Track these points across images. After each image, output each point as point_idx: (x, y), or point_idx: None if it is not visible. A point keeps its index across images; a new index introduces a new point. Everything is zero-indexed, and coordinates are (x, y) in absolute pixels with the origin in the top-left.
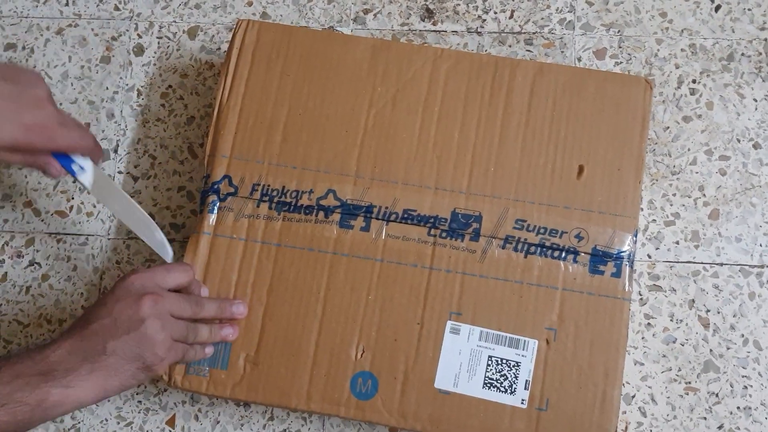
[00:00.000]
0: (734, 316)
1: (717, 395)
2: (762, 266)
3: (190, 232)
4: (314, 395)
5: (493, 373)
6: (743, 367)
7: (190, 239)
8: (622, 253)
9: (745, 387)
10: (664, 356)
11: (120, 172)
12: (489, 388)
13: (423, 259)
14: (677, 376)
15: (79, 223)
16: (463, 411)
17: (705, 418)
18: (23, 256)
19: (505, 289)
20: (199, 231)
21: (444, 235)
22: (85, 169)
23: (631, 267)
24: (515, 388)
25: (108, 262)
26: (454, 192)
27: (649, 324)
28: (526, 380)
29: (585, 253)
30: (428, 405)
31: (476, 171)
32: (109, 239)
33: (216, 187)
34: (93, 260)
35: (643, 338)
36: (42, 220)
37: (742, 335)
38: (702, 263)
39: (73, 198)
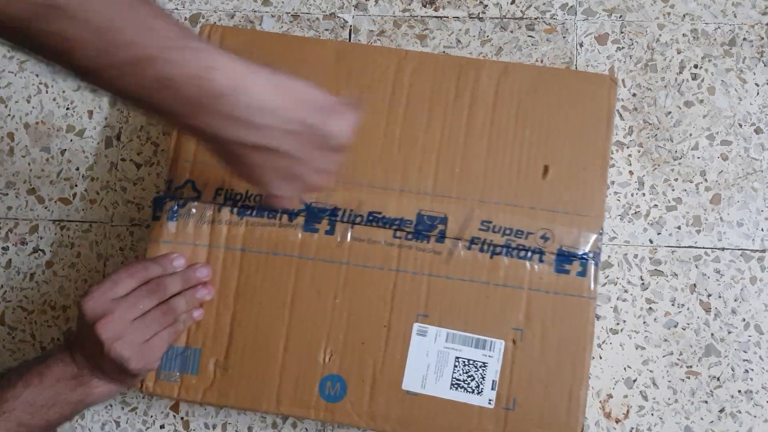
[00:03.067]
0: (735, 301)
1: (718, 379)
2: (763, 251)
3: (147, 242)
4: (284, 399)
5: (460, 374)
6: (744, 351)
7: (148, 249)
8: (587, 253)
9: (747, 371)
10: (665, 340)
11: (123, 159)
12: (456, 388)
13: (389, 261)
14: (678, 360)
15: (83, 210)
16: (432, 412)
17: (706, 402)
18: (27, 243)
19: (471, 290)
20: (157, 240)
21: (410, 237)
22: None
23: (597, 266)
24: (482, 389)
25: (111, 248)
26: (419, 194)
27: (650, 309)
28: (493, 380)
29: (551, 253)
30: (397, 407)
31: (442, 172)
32: (112, 226)
33: (176, 192)
34: (97, 247)
35: (644, 323)
36: (45, 207)
37: (744, 319)
38: (704, 248)
39: (76, 185)
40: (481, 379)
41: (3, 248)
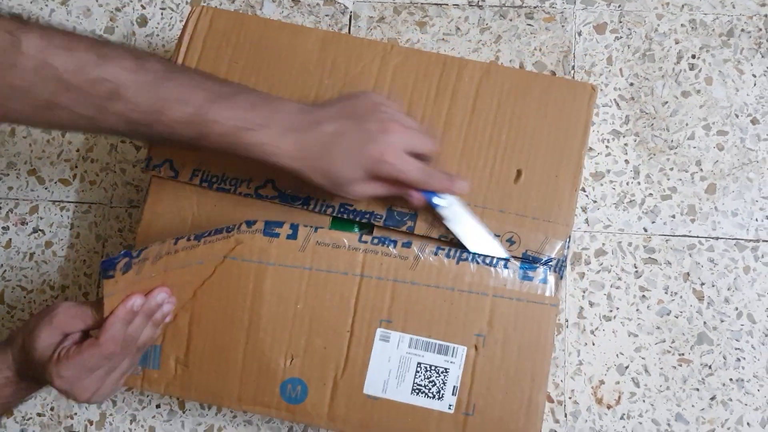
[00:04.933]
0: (729, 290)
1: (710, 367)
2: (757, 240)
3: (104, 296)
4: (245, 397)
5: (421, 380)
6: (737, 340)
7: (106, 303)
8: (551, 260)
9: (738, 359)
10: (658, 328)
11: (122, 141)
12: (417, 393)
13: (354, 266)
14: (671, 347)
15: (82, 191)
16: (392, 416)
17: (697, 390)
18: (27, 224)
19: (436, 297)
20: (113, 293)
21: (376, 241)
22: (452, 205)
23: (560, 273)
24: (443, 394)
25: (110, 229)
26: None
27: (643, 296)
28: (454, 386)
29: (515, 257)
30: (357, 410)
31: None
32: (111, 207)
33: (155, 170)
34: (95, 228)
35: (637, 310)
36: (46, 188)
37: (736, 308)
38: (698, 237)
39: (76, 167)
40: (442, 385)
41: (3, 228)
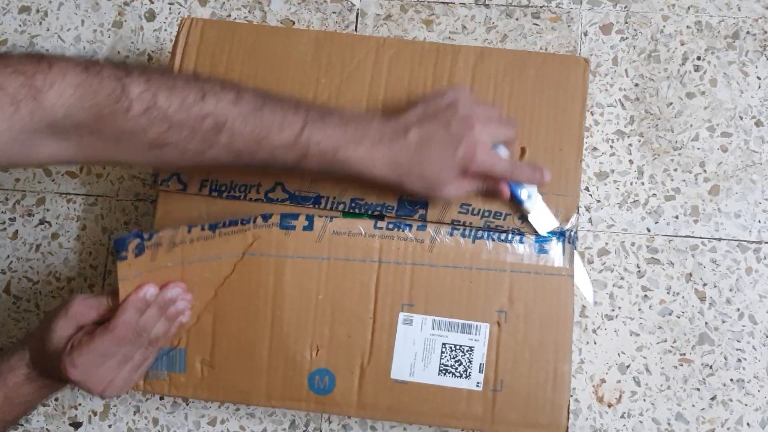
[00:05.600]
0: (731, 291)
1: (711, 367)
2: (760, 242)
3: (119, 280)
4: (273, 393)
5: (447, 360)
6: (738, 341)
7: (121, 287)
8: (564, 232)
9: (739, 360)
10: (659, 328)
11: None
12: (444, 374)
13: (371, 253)
14: (672, 347)
15: (89, 183)
16: (421, 398)
17: (698, 389)
18: (34, 215)
19: (455, 276)
20: (127, 277)
21: (391, 226)
22: (531, 196)
23: (573, 244)
24: (470, 372)
25: (116, 222)
26: None
27: (646, 296)
28: (480, 363)
29: (529, 233)
30: (386, 395)
31: None
32: (117, 200)
33: (162, 185)
34: (102, 220)
35: (639, 309)
36: (53, 180)
37: (738, 309)
38: (701, 238)
39: None
40: (468, 363)
41: (10, 219)
